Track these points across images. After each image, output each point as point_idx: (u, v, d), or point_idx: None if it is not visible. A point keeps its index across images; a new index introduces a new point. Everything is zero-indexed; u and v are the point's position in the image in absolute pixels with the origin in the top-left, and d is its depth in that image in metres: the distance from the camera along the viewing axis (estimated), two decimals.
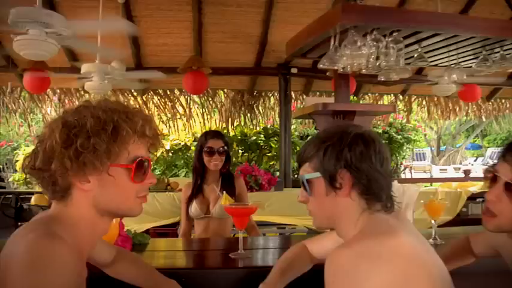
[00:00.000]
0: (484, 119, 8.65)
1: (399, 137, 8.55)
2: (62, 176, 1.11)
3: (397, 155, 8.98)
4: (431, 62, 3.13)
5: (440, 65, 3.29)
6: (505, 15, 5.44)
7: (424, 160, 14.17)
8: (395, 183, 2.04)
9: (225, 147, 2.79)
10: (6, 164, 11.62)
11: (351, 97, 6.95)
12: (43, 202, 3.93)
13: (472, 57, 2.88)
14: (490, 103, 7.97)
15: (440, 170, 10.77)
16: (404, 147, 8.99)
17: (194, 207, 2.75)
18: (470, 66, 3.06)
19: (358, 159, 1.19)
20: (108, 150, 1.10)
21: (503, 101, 8.04)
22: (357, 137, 1.21)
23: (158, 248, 2.18)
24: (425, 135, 15.87)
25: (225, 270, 1.74)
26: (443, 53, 2.98)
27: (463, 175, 7.47)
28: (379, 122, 8.21)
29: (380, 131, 8.39)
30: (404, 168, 9.74)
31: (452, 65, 3.16)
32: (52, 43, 2.83)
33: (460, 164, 14.02)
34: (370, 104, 5.36)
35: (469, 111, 7.99)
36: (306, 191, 1.30)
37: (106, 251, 1.50)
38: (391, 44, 2.19)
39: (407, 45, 2.53)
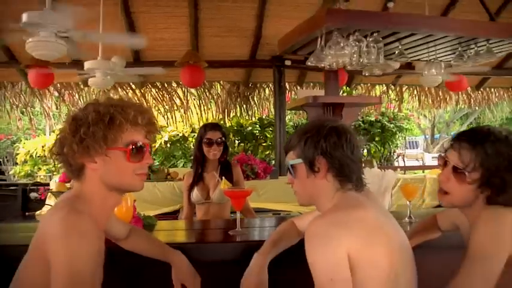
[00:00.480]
0: (475, 108, 8.93)
1: (391, 125, 8.79)
2: (72, 158, 1.41)
3: (390, 144, 9.23)
4: (411, 57, 3.39)
5: (421, 60, 3.55)
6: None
7: (417, 148, 14.47)
8: (375, 170, 2.33)
9: (223, 138, 3.05)
10: (6, 157, 11.88)
11: (344, 87, 7.22)
12: (63, 189, 4.20)
13: (449, 53, 3.14)
14: (480, 92, 8.25)
15: (433, 157, 11.05)
16: (397, 136, 9.26)
17: (195, 193, 3.02)
18: (449, 61, 3.31)
19: (332, 148, 1.46)
20: (104, 136, 1.39)
21: (492, 90, 8.33)
22: (332, 130, 1.48)
23: (164, 228, 2.44)
24: (419, 124, 16.17)
25: (224, 244, 2.01)
26: (422, 49, 3.23)
27: None
28: (371, 111, 8.48)
29: (373, 119, 8.65)
30: (398, 156, 10.01)
31: (432, 60, 3.42)
32: (61, 44, 3.07)
33: None
34: (358, 96, 5.61)
35: (459, 100, 8.28)
36: (291, 175, 1.57)
37: (122, 228, 1.77)
38: (371, 44, 2.44)
39: (387, 44, 2.78)
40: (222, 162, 3.11)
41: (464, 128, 18.53)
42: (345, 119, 3.51)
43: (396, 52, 2.92)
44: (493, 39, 2.72)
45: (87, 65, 4.29)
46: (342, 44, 2.34)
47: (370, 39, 2.44)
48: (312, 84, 7.30)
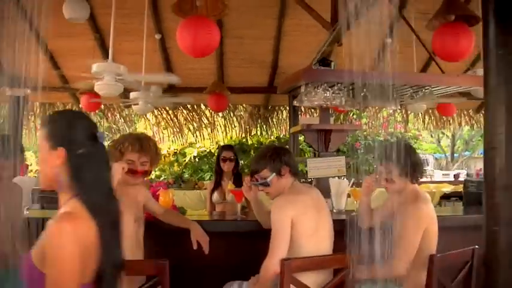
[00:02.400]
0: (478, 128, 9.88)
1: None
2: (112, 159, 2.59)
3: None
4: (373, 97, 4.49)
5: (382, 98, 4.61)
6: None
7: (428, 166, 15.39)
8: (334, 179, 3.45)
9: (234, 156, 4.26)
10: None
11: (354, 111, 8.29)
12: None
13: (401, 93, 4.21)
14: (481, 114, 9.19)
15: (443, 174, 11.97)
16: None
17: (215, 195, 4.23)
18: (402, 100, 4.38)
19: (289, 160, 2.63)
20: (116, 155, 2.60)
21: None
22: (284, 150, 2.65)
23: (192, 215, 3.63)
24: (439, 141, 17.06)
25: (226, 222, 3.23)
26: (382, 89, 4.30)
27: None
28: (380, 132, 9.52)
29: (382, 139, 9.66)
30: None
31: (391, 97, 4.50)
32: (117, 85, 4.29)
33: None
34: (342, 124, 6.66)
35: (462, 121, 9.24)
36: (267, 186, 2.70)
37: (160, 209, 2.95)
38: (336, 91, 3.54)
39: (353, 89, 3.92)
40: (234, 174, 4.31)
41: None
42: (334, 141, 4.65)
43: (362, 94, 4.03)
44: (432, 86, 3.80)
45: (132, 95, 5.48)
46: (313, 93, 3.47)
47: (336, 88, 3.56)
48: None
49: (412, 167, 2.72)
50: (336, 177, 3.53)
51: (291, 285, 2.32)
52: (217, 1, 3.45)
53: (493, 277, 2.04)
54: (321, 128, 4.56)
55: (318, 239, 2.52)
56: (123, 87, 4.37)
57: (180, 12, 3.44)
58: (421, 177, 2.88)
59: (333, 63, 4.51)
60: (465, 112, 9.06)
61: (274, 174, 2.64)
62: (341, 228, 2.63)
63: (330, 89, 3.50)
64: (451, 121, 9.10)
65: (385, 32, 6.03)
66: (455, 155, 18.14)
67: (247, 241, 2.94)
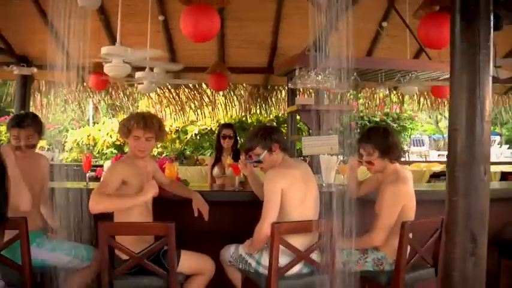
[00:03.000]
0: None
1: (395, 125, 10.18)
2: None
3: None
4: (363, 80, 4.85)
5: (372, 81, 4.97)
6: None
7: (423, 146, 15.76)
8: (324, 156, 3.81)
9: (233, 134, 4.62)
10: (51, 145, 13.61)
11: (351, 91, 8.62)
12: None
13: (390, 77, 4.54)
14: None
15: (439, 155, 12.31)
16: (402, 134, 10.61)
17: (216, 170, 4.61)
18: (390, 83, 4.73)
19: (278, 137, 2.99)
20: (125, 131, 2.98)
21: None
22: (274, 128, 3.01)
23: (194, 186, 4.00)
24: (437, 123, 17.41)
25: (223, 192, 3.63)
26: (372, 74, 4.65)
27: None
28: (376, 113, 9.86)
29: (378, 119, 10.04)
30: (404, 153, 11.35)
31: (380, 81, 4.87)
32: (125, 66, 4.63)
33: None
34: (334, 105, 6.98)
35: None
36: (260, 163, 3.07)
37: (166, 180, 3.34)
38: (328, 75, 3.88)
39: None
40: (233, 150, 4.68)
41: None
42: (328, 121, 5.02)
43: (353, 77, 4.38)
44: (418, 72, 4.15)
45: (137, 75, 5.80)
46: (306, 76, 3.81)
47: (327, 71, 3.90)
48: None
49: (390, 148, 3.08)
50: (326, 154, 3.89)
51: (280, 245, 2.70)
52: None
53: (451, 239, 2.40)
54: (315, 109, 4.92)
55: (305, 207, 2.90)
56: (130, 68, 4.71)
57: (184, 0, 3.77)
58: (400, 158, 3.22)
59: (327, 48, 4.84)
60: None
61: (265, 151, 3.00)
62: (329, 199, 3.06)
63: (321, 73, 3.84)
64: (445, 103, 9.42)
65: (380, 17, 6.38)
66: None
67: (243, 210, 3.31)
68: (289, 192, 2.84)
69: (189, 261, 2.94)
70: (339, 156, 3.83)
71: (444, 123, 18.66)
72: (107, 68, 4.61)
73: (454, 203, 2.40)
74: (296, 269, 2.85)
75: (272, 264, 2.69)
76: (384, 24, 6.56)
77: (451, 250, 2.41)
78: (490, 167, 2.43)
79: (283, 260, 2.77)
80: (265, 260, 2.83)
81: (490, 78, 2.41)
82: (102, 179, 3.05)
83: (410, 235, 2.93)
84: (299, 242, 2.80)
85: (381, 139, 3.10)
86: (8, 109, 12.93)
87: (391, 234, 2.94)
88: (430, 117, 15.78)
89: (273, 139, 2.98)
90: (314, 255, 2.87)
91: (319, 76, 3.77)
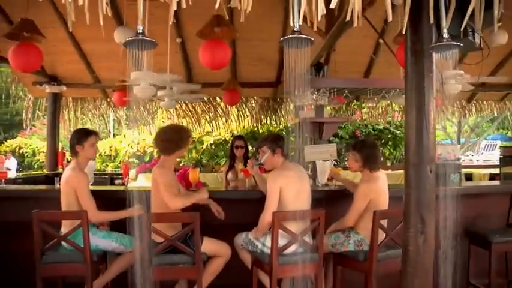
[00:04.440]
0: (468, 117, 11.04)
1: (399, 132, 10.99)
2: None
3: (401, 147, 11.40)
4: (353, 96, 5.73)
5: (361, 95, 5.87)
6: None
7: None
8: (319, 161, 4.70)
9: (244, 144, 5.55)
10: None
11: (355, 101, 9.50)
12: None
13: (377, 93, 5.40)
14: (473, 104, 10.35)
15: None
16: None
17: (230, 174, 5.54)
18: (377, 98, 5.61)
19: (282, 144, 3.91)
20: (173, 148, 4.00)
21: (484, 102, 10.43)
22: (281, 137, 3.92)
23: (212, 190, 4.91)
24: (445, 128, 18.19)
25: (234, 191, 4.52)
26: (361, 90, 5.54)
27: None
28: (380, 121, 10.71)
29: (381, 127, 10.88)
30: None
31: (369, 97, 5.76)
32: (152, 88, 5.56)
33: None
34: (332, 117, 7.84)
35: (455, 111, 10.39)
36: (262, 165, 3.99)
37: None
38: (321, 93, 4.76)
39: (340, 89, 5.14)
40: (245, 158, 5.61)
41: (488, 133, 20.56)
42: (327, 131, 5.90)
43: (344, 94, 5.26)
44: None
45: (159, 93, 6.73)
46: (303, 95, 4.71)
47: (321, 90, 4.78)
48: None
49: (365, 158, 3.99)
50: (321, 160, 4.78)
51: (279, 230, 3.59)
52: (229, 29, 4.72)
53: (407, 221, 3.24)
54: (315, 121, 5.81)
55: (299, 202, 3.78)
56: (155, 89, 5.64)
57: (202, 36, 4.69)
58: (377, 168, 4.11)
59: (325, 67, 5.77)
60: (458, 102, 10.21)
61: (270, 151, 3.91)
62: (321, 196, 3.98)
63: (316, 92, 4.75)
64: (444, 111, 10.26)
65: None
66: (461, 140, 19.28)
67: (253, 205, 4.16)
68: (286, 189, 3.74)
69: (210, 245, 3.85)
70: (332, 161, 4.73)
71: (453, 129, 19.46)
72: (136, 90, 5.53)
73: (408, 194, 3.25)
74: (292, 248, 3.73)
75: (273, 244, 3.59)
76: (381, 41, 7.45)
77: (407, 230, 3.26)
78: (434, 167, 3.29)
79: (282, 241, 3.65)
80: (268, 242, 3.71)
81: (433, 99, 3.27)
82: (164, 182, 3.82)
83: (386, 222, 3.82)
84: (294, 227, 3.68)
85: (368, 152, 4.02)
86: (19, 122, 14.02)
87: (368, 220, 3.81)
88: (438, 123, 16.60)
89: (277, 144, 3.91)
90: (306, 238, 3.76)
91: (315, 94, 4.67)
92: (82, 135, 4.12)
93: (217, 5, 2.15)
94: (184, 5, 2.36)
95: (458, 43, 2.71)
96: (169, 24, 6.63)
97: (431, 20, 2.48)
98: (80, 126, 11.44)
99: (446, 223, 4.16)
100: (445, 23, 2.66)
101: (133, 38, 2.55)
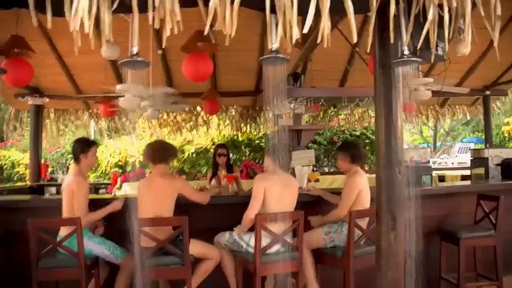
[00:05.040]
0: (442, 121, 11.50)
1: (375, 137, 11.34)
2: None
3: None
4: (330, 104, 6.13)
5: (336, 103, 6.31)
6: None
7: None
8: (298, 167, 5.05)
9: (226, 152, 5.86)
10: (54, 167, 14.75)
11: (332, 108, 9.87)
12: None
13: (351, 101, 5.78)
14: (446, 108, 10.81)
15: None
16: None
17: (213, 181, 5.83)
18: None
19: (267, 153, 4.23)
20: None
21: (457, 106, 10.90)
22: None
23: None
24: (421, 132, 18.73)
25: (218, 196, 4.81)
26: (337, 99, 5.94)
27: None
28: (356, 127, 11.10)
29: (358, 133, 11.27)
30: None
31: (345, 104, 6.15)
32: (136, 100, 5.83)
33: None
34: (309, 124, 8.20)
35: (429, 115, 10.84)
36: None
37: None
38: (298, 103, 5.10)
39: (315, 98, 5.50)
40: (227, 165, 5.92)
41: (465, 134, 21.20)
42: (305, 138, 6.24)
43: (320, 103, 5.61)
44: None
45: (142, 103, 6.99)
46: (281, 104, 5.05)
47: (298, 100, 5.13)
48: None
49: (352, 156, 4.38)
50: (300, 166, 5.12)
51: (262, 230, 3.91)
52: (211, 43, 5.04)
53: (379, 219, 3.56)
54: (294, 128, 6.15)
55: (282, 203, 4.11)
56: (140, 101, 5.92)
57: (185, 50, 5.00)
58: (364, 163, 4.50)
59: (302, 77, 6.11)
60: (431, 107, 10.67)
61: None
62: (303, 199, 4.34)
63: (293, 101, 5.09)
64: (419, 115, 10.70)
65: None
66: (437, 144, 19.87)
67: (236, 209, 4.46)
68: (269, 192, 4.08)
69: (198, 247, 4.13)
70: (310, 167, 5.06)
71: (429, 132, 20.02)
72: (121, 102, 5.80)
73: (379, 194, 3.59)
74: (275, 248, 4.04)
75: (257, 244, 3.90)
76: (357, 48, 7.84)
77: (379, 227, 3.59)
78: (403, 169, 3.63)
79: (265, 241, 3.96)
80: (252, 242, 4.01)
81: (400, 109, 3.62)
82: (188, 188, 4.35)
83: (366, 222, 4.19)
84: (277, 228, 4.00)
85: (353, 150, 4.39)
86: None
87: None
88: (414, 127, 17.14)
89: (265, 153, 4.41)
90: (288, 238, 4.08)
91: (292, 104, 5.01)
92: (85, 145, 4.40)
93: (205, 32, 2.44)
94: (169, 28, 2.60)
95: (417, 59, 3.03)
96: (151, 37, 7.08)
97: (392, 41, 2.80)
98: (61, 138, 11.70)
99: (418, 222, 4.50)
100: (405, 40, 3.00)
101: (128, 59, 2.82)
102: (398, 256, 3.55)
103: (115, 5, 2.41)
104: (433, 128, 18.68)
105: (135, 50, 2.87)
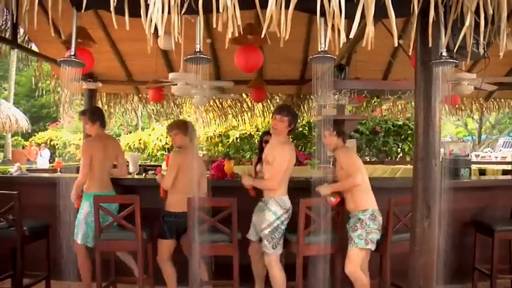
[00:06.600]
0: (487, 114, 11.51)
1: None
2: None
3: None
4: (373, 96, 6.35)
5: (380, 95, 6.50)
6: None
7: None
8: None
9: None
10: None
11: (375, 98, 10.07)
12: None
13: (393, 93, 6.01)
14: (491, 102, 10.82)
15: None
16: None
17: (258, 166, 6.17)
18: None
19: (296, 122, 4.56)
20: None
21: (502, 100, 10.90)
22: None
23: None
24: (466, 125, 18.61)
25: None
26: (382, 92, 6.15)
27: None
28: (399, 117, 11.24)
29: (401, 123, 11.41)
30: None
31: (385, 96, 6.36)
32: (188, 88, 6.23)
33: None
34: (352, 114, 8.42)
35: (473, 108, 10.87)
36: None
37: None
38: (342, 94, 5.36)
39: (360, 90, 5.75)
40: None
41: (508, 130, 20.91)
42: (347, 128, 6.52)
43: (363, 94, 5.87)
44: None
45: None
46: (325, 95, 5.33)
47: (342, 91, 5.39)
48: None
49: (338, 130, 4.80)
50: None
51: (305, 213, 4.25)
52: (260, 37, 5.35)
53: (415, 208, 3.83)
54: (337, 118, 6.43)
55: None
56: (191, 89, 6.32)
57: (236, 42, 5.34)
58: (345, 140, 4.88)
59: (346, 68, 6.38)
60: (475, 99, 10.70)
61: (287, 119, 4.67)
62: None
63: (337, 92, 5.38)
64: (462, 108, 10.77)
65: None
66: (482, 137, 19.66)
67: None
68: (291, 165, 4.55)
69: None
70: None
71: (474, 125, 19.84)
72: (174, 89, 6.21)
73: (416, 184, 3.86)
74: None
75: (300, 226, 4.25)
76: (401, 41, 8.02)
77: (414, 215, 3.86)
78: (439, 161, 3.88)
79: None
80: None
81: (438, 103, 3.86)
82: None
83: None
84: None
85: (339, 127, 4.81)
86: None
87: (369, 192, 4.51)
88: (459, 120, 17.08)
89: (295, 122, 4.83)
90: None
91: (336, 95, 5.30)
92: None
93: (263, 34, 2.76)
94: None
95: (454, 60, 3.28)
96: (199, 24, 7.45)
97: (430, 44, 3.06)
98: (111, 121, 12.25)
99: (454, 212, 4.73)
100: (443, 42, 3.25)
101: (192, 56, 3.19)
102: (430, 243, 3.80)
103: (184, 9, 2.75)
104: (478, 120, 18.56)
105: (198, 47, 3.21)
